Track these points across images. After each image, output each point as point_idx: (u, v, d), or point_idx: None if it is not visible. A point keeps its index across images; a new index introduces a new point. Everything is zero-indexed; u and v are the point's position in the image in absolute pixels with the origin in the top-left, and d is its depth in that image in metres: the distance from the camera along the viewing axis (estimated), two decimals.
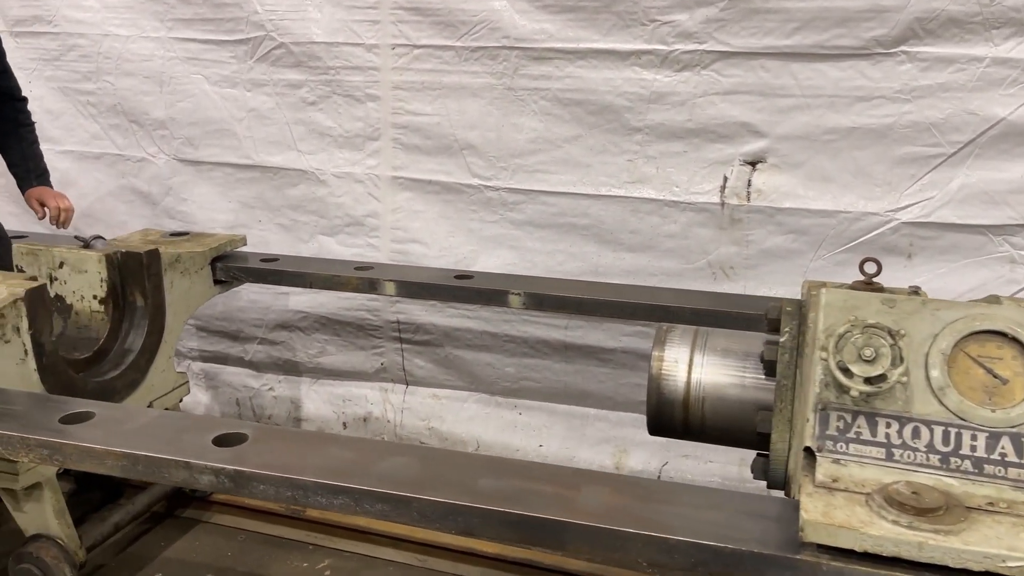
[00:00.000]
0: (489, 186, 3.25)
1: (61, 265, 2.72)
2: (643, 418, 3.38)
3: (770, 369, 1.87)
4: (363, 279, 2.91)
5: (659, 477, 3.30)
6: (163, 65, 3.50)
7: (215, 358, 3.86)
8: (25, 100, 3.18)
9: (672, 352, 2.06)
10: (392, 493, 1.53)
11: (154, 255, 2.77)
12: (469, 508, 1.49)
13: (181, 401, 2.97)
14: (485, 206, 3.28)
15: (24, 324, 2.26)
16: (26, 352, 2.27)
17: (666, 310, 2.63)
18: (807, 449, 1.48)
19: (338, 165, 3.40)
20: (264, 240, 3.57)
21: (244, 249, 3.19)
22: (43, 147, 3.72)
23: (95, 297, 2.71)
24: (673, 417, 2.06)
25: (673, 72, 2.94)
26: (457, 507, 1.50)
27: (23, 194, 3.10)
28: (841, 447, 1.45)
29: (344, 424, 3.69)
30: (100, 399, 2.55)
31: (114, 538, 2.72)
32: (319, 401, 3.74)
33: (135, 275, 2.74)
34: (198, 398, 3.89)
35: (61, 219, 3.07)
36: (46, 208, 3.06)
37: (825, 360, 1.48)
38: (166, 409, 2.88)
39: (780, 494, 1.85)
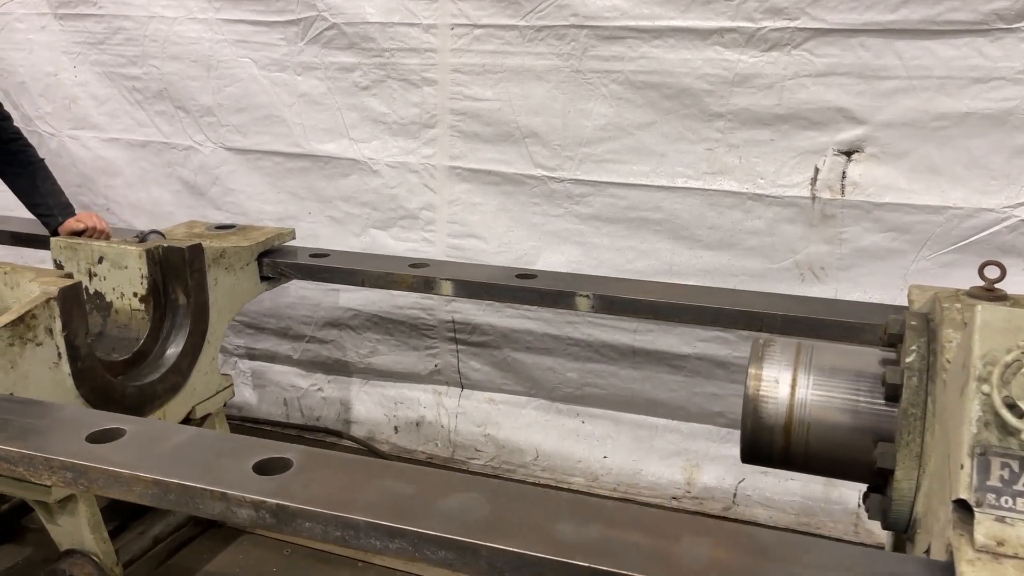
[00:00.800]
0: (553, 177, 3.00)
1: (100, 260, 2.54)
2: (718, 430, 3.15)
3: (892, 394, 1.61)
4: (418, 278, 2.69)
5: (735, 495, 3.04)
6: (211, 48, 3.32)
7: (263, 356, 3.70)
8: (19, 132, 2.98)
9: (772, 370, 1.80)
10: (457, 539, 1.31)
11: (197, 250, 2.58)
12: (547, 561, 1.26)
13: (225, 405, 2.79)
14: (548, 199, 3.04)
15: (57, 325, 2.10)
16: (60, 355, 2.12)
17: (753, 316, 2.36)
18: (960, 502, 1.22)
19: (392, 154, 3.19)
20: (314, 233, 3.38)
21: (293, 243, 3.00)
22: (89, 135, 3.62)
23: (135, 295, 2.53)
24: (772, 444, 1.80)
25: (760, 52, 2.65)
26: (533, 559, 1.27)
27: (52, 233, 2.84)
28: (1007, 502, 1.18)
29: (396, 428, 3.49)
30: (139, 405, 2.40)
31: (154, 551, 2.56)
32: (370, 403, 3.55)
33: (177, 271, 2.55)
34: (245, 396, 3.73)
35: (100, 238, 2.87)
36: (78, 225, 2.84)
37: (987, 395, 1.21)
38: (209, 415, 2.71)
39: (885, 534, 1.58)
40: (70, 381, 2.15)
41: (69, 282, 2.15)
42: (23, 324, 2.02)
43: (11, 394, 1.99)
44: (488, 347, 3.28)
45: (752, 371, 1.81)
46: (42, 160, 2.98)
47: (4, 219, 3.38)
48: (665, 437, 3.16)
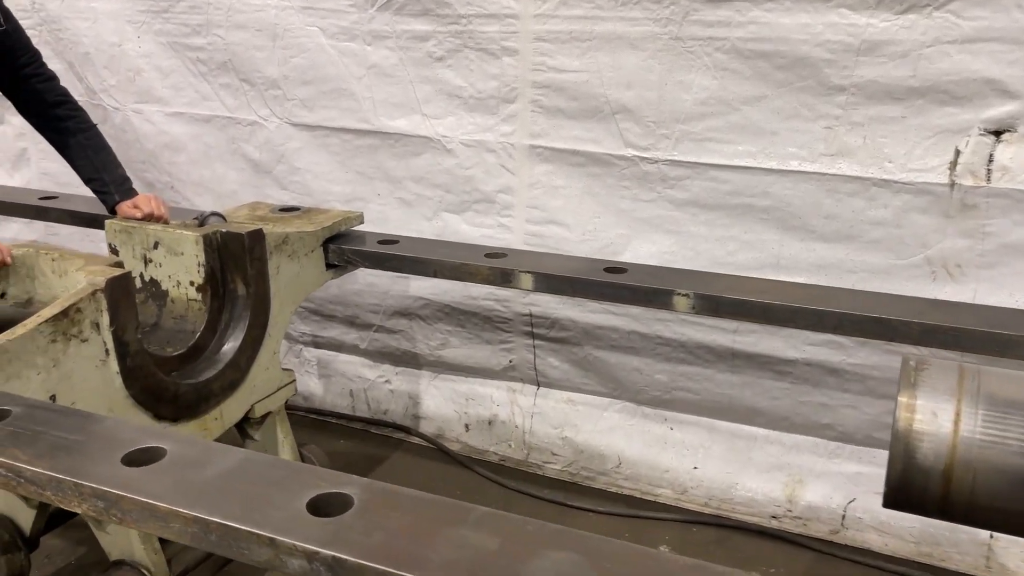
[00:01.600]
0: (646, 158, 2.70)
1: (156, 246, 2.32)
2: (826, 444, 2.81)
3: None
4: (495, 269, 2.43)
5: (843, 517, 2.71)
6: (276, 16, 3.10)
7: (329, 345, 3.50)
8: (67, 94, 2.63)
9: (929, 399, 1.48)
10: None
11: (257, 236, 2.34)
12: None
13: (286, 403, 2.59)
14: (640, 182, 2.74)
15: (104, 320, 1.91)
16: (107, 352, 1.93)
17: (884, 324, 2.04)
18: None
19: (468, 132, 2.92)
20: (383, 216, 3.15)
21: (360, 228, 2.77)
22: (153, 108, 3.45)
23: (192, 283, 2.31)
24: (926, 491, 1.49)
25: (894, 15, 2.29)
26: None
27: (109, 211, 2.58)
28: None
29: (467, 426, 3.26)
30: (194, 404, 2.22)
31: (207, 562, 2.38)
32: (440, 398, 3.32)
33: (236, 259, 2.32)
34: (311, 387, 3.55)
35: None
36: (136, 211, 2.49)
37: None
38: (269, 413, 2.52)
39: None
40: (118, 380, 1.96)
41: (118, 272, 1.95)
42: (67, 319, 1.84)
43: (52, 397, 1.81)
44: (568, 343, 3.01)
45: (904, 400, 1.49)
46: (94, 127, 2.67)
47: (69, 198, 3.21)
48: (765, 449, 2.85)
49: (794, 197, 2.55)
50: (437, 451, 3.26)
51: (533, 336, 3.07)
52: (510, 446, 3.17)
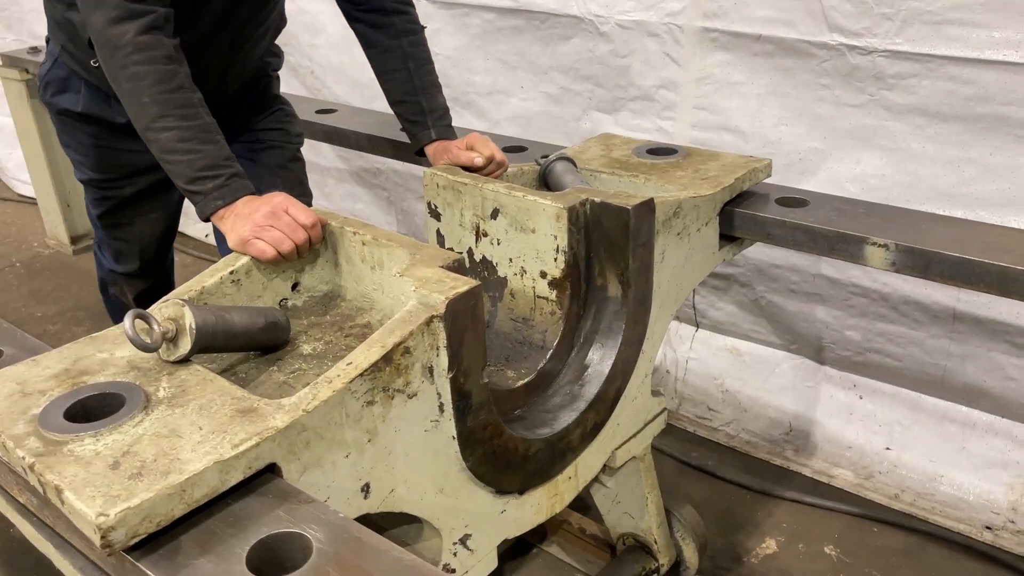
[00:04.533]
0: (857, 47, 2.00)
1: (495, 214, 1.55)
2: None
3: None
4: None
5: None
6: None
7: None
8: None
9: None
10: None
11: (646, 212, 1.49)
12: None
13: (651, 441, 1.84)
14: (846, 80, 2.05)
15: (442, 361, 1.19)
16: (441, 409, 1.23)
17: None
18: None
19: (625, 10, 2.33)
20: (525, 112, 2.67)
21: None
22: None
23: (544, 275, 1.52)
24: None
25: None
26: None
27: (418, 152, 1.88)
28: None
29: None
30: (546, 467, 1.51)
31: None
32: None
33: (613, 245, 1.50)
34: None
35: (495, 176, 1.71)
36: (473, 155, 1.68)
37: None
38: (633, 459, 1.79)
39: None
40: (454, 448, 1.28)
41: (463, 287, 1.19)
42: (390, 366, 1.12)
43: (365, 488, 1.16)
44: (736, 281, 2.44)
45: None
46: (422, 31, 1.91)
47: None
48: (986, 439, 2.17)
49: None
50: None
51: None
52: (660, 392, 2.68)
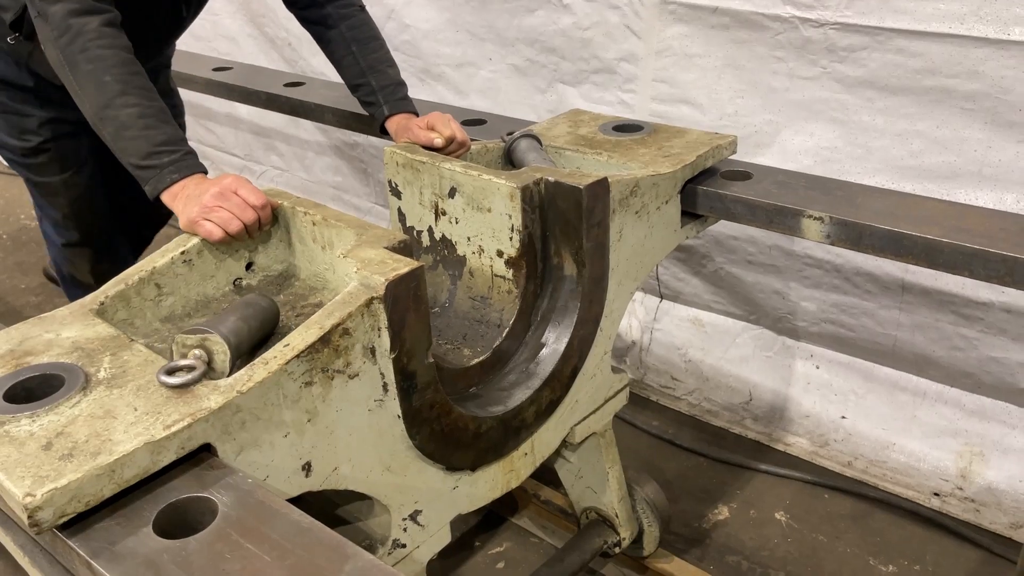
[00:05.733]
0: (809, 19, 2.01)
1: (452, 193, 1.56)
2: (1018, 412, 2.15)
3: None
4: None
5: None
6: None
7: None
8: None
9: None
10: None
11: (600, 191, 1.50)
12: None
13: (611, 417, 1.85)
14: (800, 52, 2.06)
15: (383, 342, 1.21)
16: (385, 389, 1.25)
17: None
18: None
19: None
20: (494, 86, 2.69)
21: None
22: None
23: (500, 254, 1.54)
24: None
25: None
26: None
27: (379, 129, 1.90)
28: None
29: None
30: (499, 444, 1.53)
31: None
32: None
33: (567, 224, 1.52)
34: None
35: (457, 155, 1.71)
36: (433, 135, 1.68)
37: None
38: (593, 435, 1.81)
39: None
40: (399, 427, 1.30)
41: (404, 268, 1.21)
42: (328, 347, 1.15)
43: (306, 466, 1.18)
44: (698, 255, 2.47)
45: None
46: (360, 12, 1.94)
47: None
48: (936, 409, 2.21)
49: (1016, 80, 1.79)
50: None
51: None
52: (625, 363, 2.73)
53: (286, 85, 2.65)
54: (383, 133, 1.90)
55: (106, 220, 2.25)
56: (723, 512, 2.23)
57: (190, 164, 1.44)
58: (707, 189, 1.74)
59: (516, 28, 2.56)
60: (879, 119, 2.01)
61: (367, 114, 1.95)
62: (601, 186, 1.49)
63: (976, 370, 2.10)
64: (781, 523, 2.18)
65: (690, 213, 1.77)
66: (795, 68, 2.09)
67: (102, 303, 1.29)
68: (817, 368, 2.40)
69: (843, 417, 2.36)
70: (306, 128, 3.49)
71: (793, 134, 2.15)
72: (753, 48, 2.13)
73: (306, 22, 1.96)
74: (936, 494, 2.20)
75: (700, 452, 2.44)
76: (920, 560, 2.05)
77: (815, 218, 1.63)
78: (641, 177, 1.61)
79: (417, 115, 1.83)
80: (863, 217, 1.59)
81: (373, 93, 1.87)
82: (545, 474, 1.95)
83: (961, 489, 2.18)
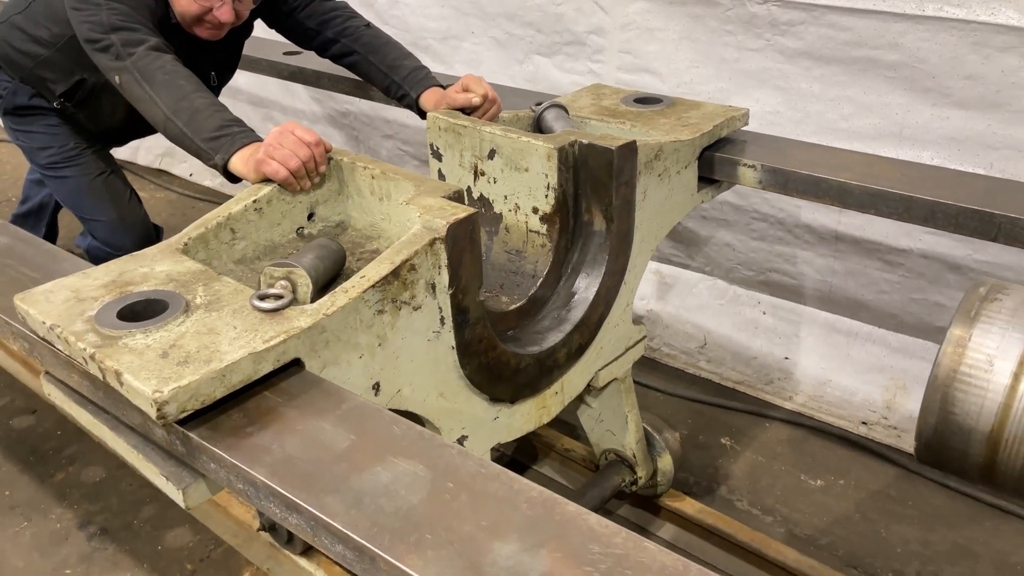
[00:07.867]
0: None
1: (492, 155, 1.70)
2: (935, 348, 2.41)
3: None
4: None
5: None
6: None
7: None
8: (328, 10, 2.18)
9: (988, 339, 1.17)
10: (353, 538, 0.93)
11: (629, 152, 1.66)
12: None
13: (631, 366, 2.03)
14: (747, 27, 2.31)
15: (443, 279, 1.36)
16: (442, 322, 1.40)
17: (987, 220, 1.61)
18: None
19: None
20: (476, 57, 2.93)
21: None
22: None
23: (535, 211, 1.69)
24: (966, 456, 1.20)
25: None
26: None
27: (419, 114, 2.04)
28: None
29: None
30: (535, 381, 1.70)
31: None
32: None
33: (598, 183, 1.67)
34: None
35: (490, 113, 1.87)
36: (470, 95, 1.84)
37: None
38: (615, 380, 1.98)
39: None
40: (453, 357, 1.45)
41: (462, 213, 1.36)
42: (398, 280, 1.29)
43: (375, 386, 1.33)
44: None
45: (955, 333, 1.18)
46: (366, 29, 2.16)
47: None
48: (866, 347, 2.48)
49: (930, 51, 2.05)
50: None
51: None
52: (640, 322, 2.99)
53: (285, 53, 2.88)
54: (423, 116, 1.94)
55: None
56: (676, 438, 2.50)
57: (253, 136, 1.62)
58: (724, 156, 1.91)
59: (497, 3, 2.80)
60: (815, 86, 2.27)
61: (406, 108, 2.11)
62: (630, 148, 1.66)
63: (899, 311, 2.37)
64: (726, 447, 2.45)
65: (706, 178, 1.95)
66: (743, 41, 2.34)
67: (185, 244, 1.41)
68: (764, 314, 2.66)
69: (786, 358, 2.62)
70: (301, 99, 3.72)
71: (742, 100, 2.40)
72: (707, 22, 2.38)
73: (336, 60, 2.21)
74: (864, 423, 2.48)
75: (659, 389, 2.70)
76: (845, 475, 2.32)
77: (749, 166, 1.89)
78: (664, 143, 1.78)
79: (444, 88, 1.97)
80: (789, 165, 1.85)
81: (399, 86, 2.06)
82: (562, 427, 2.19)
83: (886, 418, 2.45)
